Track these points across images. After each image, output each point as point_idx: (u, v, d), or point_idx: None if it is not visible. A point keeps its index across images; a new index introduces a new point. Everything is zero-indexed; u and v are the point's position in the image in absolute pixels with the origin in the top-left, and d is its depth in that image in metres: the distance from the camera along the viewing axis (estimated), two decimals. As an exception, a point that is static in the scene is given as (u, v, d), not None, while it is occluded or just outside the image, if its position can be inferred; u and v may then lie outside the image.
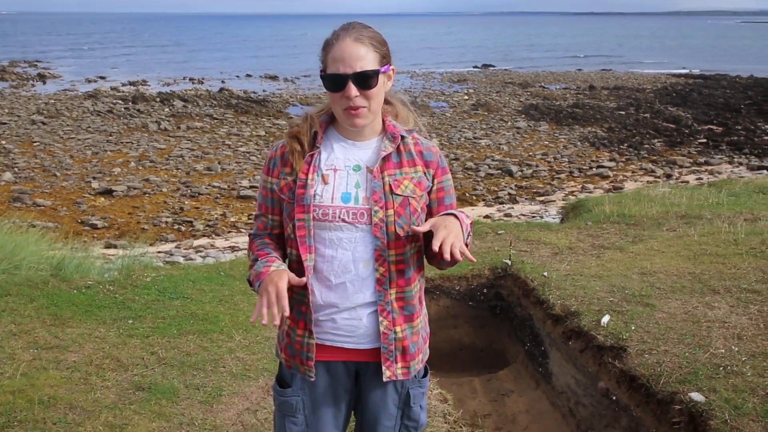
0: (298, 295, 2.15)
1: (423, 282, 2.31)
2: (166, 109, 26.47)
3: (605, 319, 4.57)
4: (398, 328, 2.16)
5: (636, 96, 32.50)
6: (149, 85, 37.46)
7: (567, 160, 19.64)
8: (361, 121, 2.10)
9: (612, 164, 19.32)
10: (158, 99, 28.69)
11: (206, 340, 4.77)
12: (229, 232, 13.35)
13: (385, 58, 2.12)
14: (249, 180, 16.61)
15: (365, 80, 2.04)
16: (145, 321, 5.05)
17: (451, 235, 1.93)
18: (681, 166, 19.37)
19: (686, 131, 23.96)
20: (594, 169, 18.68)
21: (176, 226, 13.51)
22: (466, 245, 2.07)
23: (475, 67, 51.39)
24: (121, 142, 20.36)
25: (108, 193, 15.13)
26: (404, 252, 2.13)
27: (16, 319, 5.07)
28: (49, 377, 4.19)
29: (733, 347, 4.01)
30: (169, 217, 13.91)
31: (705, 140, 22.58)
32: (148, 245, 12.06)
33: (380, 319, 2.13)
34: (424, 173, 2.18)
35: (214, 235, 13.12)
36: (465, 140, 21.75)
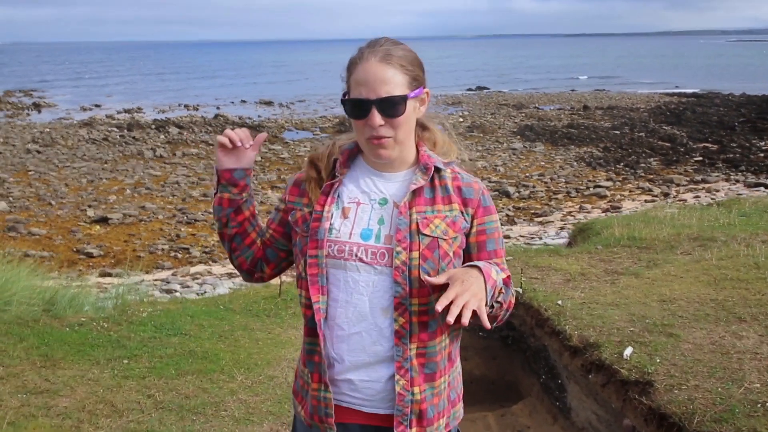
0: (309, 345, 1.91)
1: (459, 333, 2.00)
2: (162, 136, 26.34)
3: (628, 351, 4.32)
4: (416, 389, 1.85)
5: (630, 115, 32.51)
6: (144, 113, 37.35)
7: (564, 180, 19.57)
8: (387, 153, 1.85)
9: (609, 184, 19.26)
10: (153, 126, 28.60)
11: (206, 381, 4.51)
12: (226, 258, 13.14)
13: (417, 80, 1.86)
14: (245, 206, 16.48)
15: (391, 107, 1.79)
16: (141, 361, 4.78)
17: (467, 294, 1.62)
18: (678, 185, 19.32)
19: (682, 149, 23.95)
20: (591, 189, 18.60)
21: (173, 254, 13.38)
22: (492, 308, 1.78)
23: (469, 89, 51.44)
24: (117, 170, 20.21)
25: (103, 221, 15.00)
26: (429, 302, 1.82)
27: (4, 360, 4.81)
28: (38, 426, 3.91)
29: (768, 381, 3.77)
30: (165, 244, 13.80)
31: (701, 158, 22.55)
32: (144, 273, 11.93)
33: (397, 377, 1.83)
34: (461, 212, 1.89)
35: (211, 262, 13.06)
36: (461, 162, 21.62)
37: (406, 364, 1.83)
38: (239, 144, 1.92)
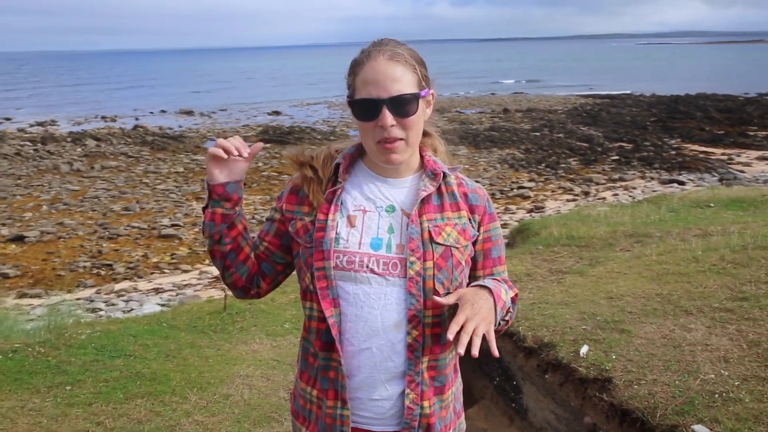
0: (323, 360, 1.79)
1: None
2: (78, 149, 25.44)
3: (584, 349, 4.37)
4: (426, 403, 1.78)
5: (549, 117, 33.44)
6: (59, 125, 35.97)
7: (488, 182, 19.96)
8: (398, 157, 1.75)
9: (532, 184, 19.76)
10: (69, 139, 27.60)
11: (158, 404, 4.28)
12: (152, 273, 13.02)
13: (425, 81, 1.77)
14: (170, 218, 16.18)
15: (403, 106, 1.69)
16: (85, 386, 4.50)
17: (477, 318, 1.57)
18: (597, 183, 20.00)
19: (599, 149, 24.80)
20: (515, 190, 19.04)
21: (95, 271, 13.01)
22: (498, 329, 1.76)
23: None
24: (32, 186, 19.41)
25: (19, 239, 14.46)
26: (442, 313, 1.76)
27: (-68, 395, 4.46)
28: (-22, 463, 3.65)
29: (722, 371, 3.86)
30: (86, 261, 13.42)
31: (617, 157, 23.39)
32: (65, 292, 11.47)
33: (407, 391, 1.76)
34: (469, 219, 1.83)
35: (136, 278, 12.81)
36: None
37: (418, 377, 1.76)
38: (235, 154, 1.79)
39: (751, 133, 27.36)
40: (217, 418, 4.13)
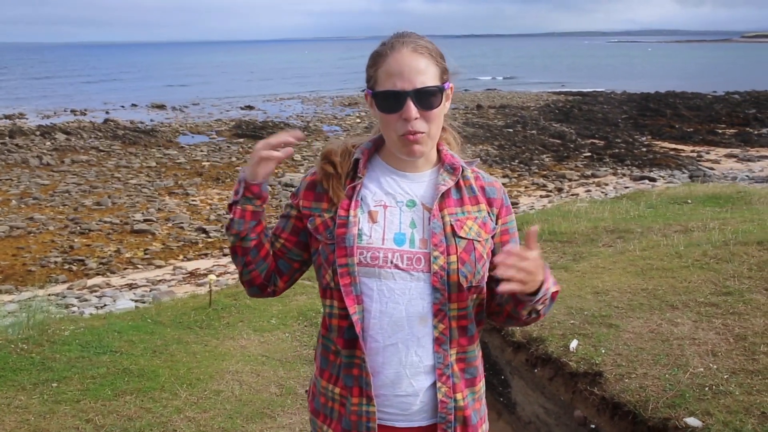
0: (346, 357, 1.77)
1: None
2: (48, 143, 25.00)
3: (574, 343, 4.41)
4: (459, 395, 1.76)
5: (522, 114, 33.64)
6: (27, 119, 35.34)
7: (463, 179, 20.02)
8: (421, 149, 1.73)
9: (506, 180, 19.88)
10: (38, 132, 27.07)
11: (147, 400, 4.21)
12: (125, 268, 12.87)
13: (446, 74, 1.77)
14: (142, 213, 16.00)
15: (427, 98, 1.68)
16: (71, 383, 4.41)
17: (529, 276, 1.59)
18: (570, 180, 20.19)
19: (571, 146, 25.03)
20: (489, 187, 19.10)
21: (67, 266, 12.81)
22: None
23: (363, 90, 51.69)
24: (0, 180, 18.98)
25: (-12, 234, 14.11)
26: (467, 305, 1.76)
27: None
28: (-35, 461, 3.56)
29: (711, 365, 3.92)
30: (58, 256, 13.21)
31: (589, 154, 23.63)
32: (37, 288, 11.28)
33: (438, 385, 1.74)
34: (488, 213, 1.82)
35: (109, 273, 12.64)
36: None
37: (448, 370, 1.75)
38: (282, 152, 1.77)
39: (720, 131, 27.83)
40: (209, 414, 4.08)
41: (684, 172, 20.31)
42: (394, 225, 1.75)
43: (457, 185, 1.82)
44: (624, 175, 20.68)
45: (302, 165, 21.86)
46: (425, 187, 1.81)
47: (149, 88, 59.08)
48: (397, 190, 1.80)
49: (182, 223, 15.35)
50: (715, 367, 3.92)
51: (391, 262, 1.71)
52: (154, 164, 21.95)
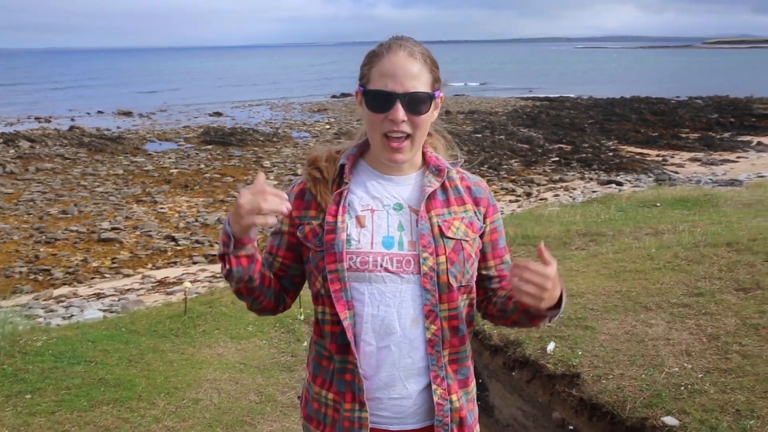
0: (339, 363, 1.77)
1: None
2: (12, 151, 24.50)
3: (551, 346, 4.45)
4: (454, 397, 1.80)
5: (490, 119, 33.87)
6: (-10, 126, 34.60)
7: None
8: (403, 157, 1.76)
9: (474, 186, 19.93)
10: (1, 140, 26.50)
11: (125, 410, 4.14)
12: (93, 278, 12.63)
13: (438, 83, 1.79)
14: (110, 221, 15.76)
15: (417, 104, 1.71)
16: (46, 394, 4.32)
17: (546, 293, 1.62)
18: (539, 184, 20.36)
19: (539, 151, 25.26)
20: (458, 192, 19.16)
21: (32, 276, 12.53)
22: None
23: (333, 96, 51.70)
24: (-39, 189, 18.58)
25: (-50, 244, 13.80)
26: (457, 305, 1.78)
27: None
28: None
29: (685, 364, 4.00)
30: (23, 266, 12.92)
31: (557, 158, 23.87)
32: (1, 299, 11.04)
33: (433, 387, 1.76)
34: (475, 212, 1.85)
35: (76, 283, 12.42)
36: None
37: (442, 372, 1.78)
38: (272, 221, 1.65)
39: (683, 135, 28.35)
40: (188, 423, 4.03)
41: (650, 176, 20.62)
42: (382, 229, 1.76)
43: (443, 186, 1.84)
44: (591, 179, 20.92)
45: (272, 171, 21.73)
46: (411, 190, 1.83)
47: (116, 94, 58.25)
48: (383, 194, 1.81)
49: (150, 231, 15.15)
50: (689, 366, 3.99)
51: (381, 266, 1.73)
52: (121, 172, 21.65)
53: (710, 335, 4.35)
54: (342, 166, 1.83)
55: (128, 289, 11.58)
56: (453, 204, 1.83)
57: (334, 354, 1.78)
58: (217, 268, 12.66)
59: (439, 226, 1.77)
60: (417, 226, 1.76)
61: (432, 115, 1.80)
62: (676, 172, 21.18)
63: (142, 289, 11.64)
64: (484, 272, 1.90)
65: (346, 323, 1.72)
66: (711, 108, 37.73)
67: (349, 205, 1.79)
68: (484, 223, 1.87)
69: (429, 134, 1.90)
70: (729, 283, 5.14)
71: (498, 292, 1.92)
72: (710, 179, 19.58)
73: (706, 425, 3.39)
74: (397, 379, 1.76)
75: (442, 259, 1.74)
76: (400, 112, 1.69)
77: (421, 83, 1.71)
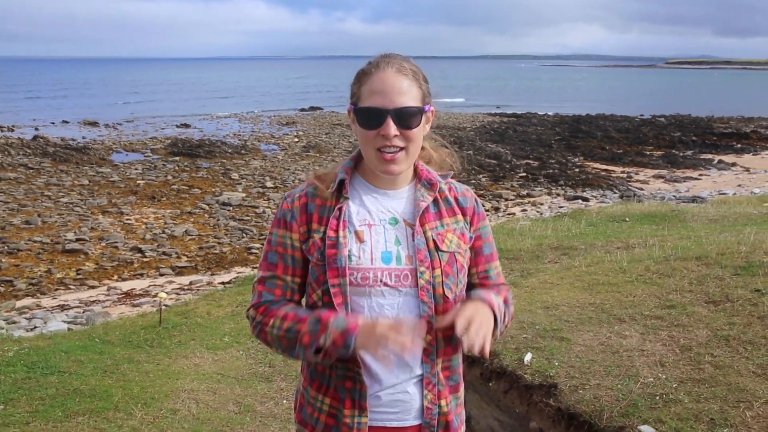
0: (340, 370, 1.80)
1: None
2: (-28, 160, 24.03)
3: (528, 356, 4.49)
4: (443, 402, 1.86)
5: (458, 134, 34.15)
6: (-51, 136, 33.79)
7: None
8: (397, 168, 1.80)
9: (442, 201, 20.07)
10: (-39, 149, 26.00)
11: (101, 421, 4.07)
12: (57, 289, 12.49)
13: (428, 97, 1.85)
14: (75, 233, 15.55)
15: (407, 118, 1.76)
16: (19, 405, 4.23)
17: (482, 330, 1.69)
18: (507, 199, 20.63)
19: (507, 166, 25.57)
20: (427, 207, 19.28)
21: (-7, 287, 12.27)
22: (501, 332, 1.90)
23: (302, 110, 51.70)
24: None
25: None
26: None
27: None
28: None
29: (660, 375, 4.06)
30: (-17, 278, 12.61)
31: (525, 174, 24.19)
32: (-39, 311, 10.80)
33: (425, 392, 1.83)
34: (464, 223, 1.91)
35: (39, 294, 12.26)
36: (299, 182, 21.56)
37: (434, 379, 1.84)
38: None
39: (647, 153, 28.96)
40: (167, 435, 3.99)
41: (615, 192, 20.99)
42: (380, 244, 1.81)
43: (434, 199, 1.89)
44: (558, 194, 21.23)
45: (240, 184, 21.64)
46: (405, 204, 1.87)
47: (82, 105, 57.45)
48: (379, 208, 1.86)
49: (116, 242, 14.97)
50: (664, 376, 4.06)
51: (381, 281, 1.78)
52: (86, 182, 21.38)
53: (683, 346, 4.43)
54: (342, 181, 1.86)
55: (93, 301, 11.42)
56: (445, 216, 1.88)
57: (337, 362, 1.80)
58: (184, 279, 12.58)
59: (433, 239, 1.82)
60: (413, 240, 1.81)
61: (424, 128, 1.85)
62: (641, 189, 21.60)
63: (107, 300, 11.49)
64: (467, 279, 1.95)
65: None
66: (674, 126, 38.62)
67: (348, 219, 1.82)
68: (470, 231, 1.93)
69: (423, 148, 1.95)
70: (699, 296, 5.24)
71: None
72: (674, 196, 20.00)
73: (682, 434, 3.45)
74: (395, 384, 1.82)
75: (438, 272, 1.80)
76: (391, 127, 1.74)
77: (410, 98, 1.76)
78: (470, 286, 1.96)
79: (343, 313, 1.73)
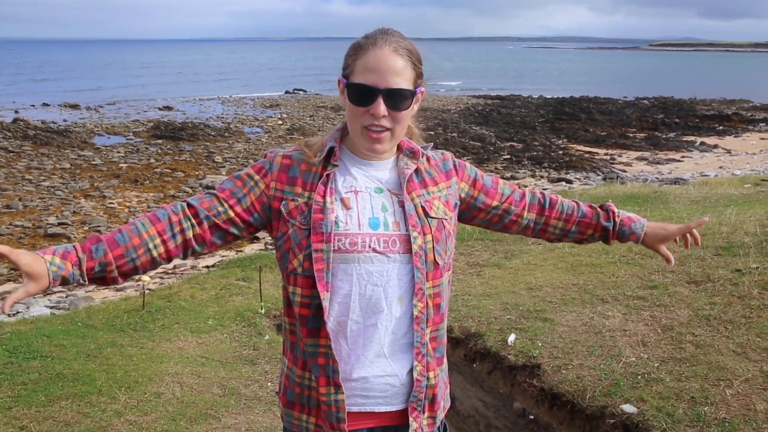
0: (311, 347, 1.78)
1: None
2: (-50, 143, 23.70)
3: (511, 337, 4.53)
4: (431, 374, 1.85)
5: (442, 117, 34.07)
6: (-75, 119, 33.29)
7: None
8: (381, 147, 1.80)
9: (426, 183, 20.10)
10: (-61, 132, 25.63)
11: (85, 405, 4.05)
12: None
13: (420, 79, 1.83)
14: (57, 217, 15.37)
15: (398, 100, 1.74)
16: (1, 389, 4.19)
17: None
18: (491, 181, 20.61)
19: (491, 148, 25.57)
20: (412, 189, 19.32)
21: (-26, 272, 12.10)
22: None
23: (286, 92, 51.37)
24: None
25: None
26: (441, 283, 1.84)
27: None
28: None
29: (642, 354, 4.12)
30: (-36, 262, 12.45)
31: (509, 156, 24.21)
32: (-63, 297, 10.70)
33: (414, 363, 1.81)
34: (448, 188, 1.92)
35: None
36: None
37: (424, 349, 1.82)
38: None
39: (631, 135, 29.07)
40: (151, 417, 3.97)
41: (598, 174, 21.07)
42: (367, 210, 1.80)
43: (416, 169, 1.89)
44: (542, 177, 21.26)
45: (224, 167, 21.51)
46: (389, 173, 1.87)
47: (63, 87, 56.66)
48: (363, 178, 1.85)
49: (99, 226, 14.84)
50: (645, 356, 4.11)
51: (369, 246, 1.76)
52: (68, 166, 21.13)
53: (664, 326, 4.49)
54: (331, 149, 1.85)
55: (76, 286, 11.34)
56: (429, 185, 1.89)
57: (304, 337, 1.79)
58: (168, 264, 12.50)
59: (422, 206, 1.82)
60: (401, 207, 1.81)
61: (412, 109, 1.84)
62: (624, 171, 21.69)
63: (90, 285, 11.42)
64: (499, 212, 2.01)
65: (325, 303, 1.74)
66: (657, 108, 38.76)
67: (335, 187, 1.81)
68: (460, 185, 1.96)
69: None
70: (681, 276, 5.30)
71: (546, 220, 2.09)
72: (656, 178, 20.11)
73: (663, 412, 3.50)
74: (382, 356, 1.80)
75: (429, 238, 1.79)
76: (381, 107, 1.73)
77: (403, 80, 1.75)
78: (506, 213, 2.02)
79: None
